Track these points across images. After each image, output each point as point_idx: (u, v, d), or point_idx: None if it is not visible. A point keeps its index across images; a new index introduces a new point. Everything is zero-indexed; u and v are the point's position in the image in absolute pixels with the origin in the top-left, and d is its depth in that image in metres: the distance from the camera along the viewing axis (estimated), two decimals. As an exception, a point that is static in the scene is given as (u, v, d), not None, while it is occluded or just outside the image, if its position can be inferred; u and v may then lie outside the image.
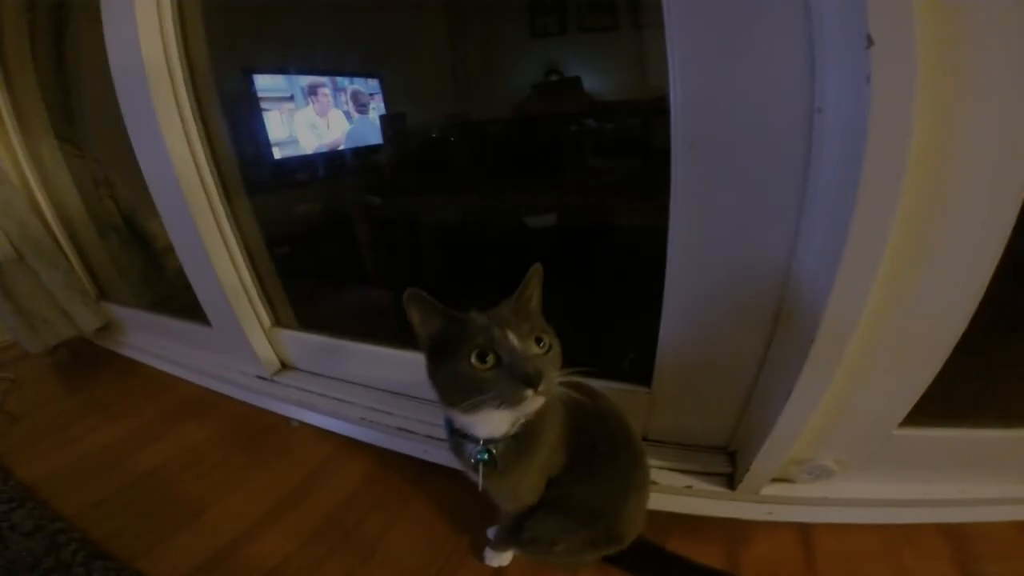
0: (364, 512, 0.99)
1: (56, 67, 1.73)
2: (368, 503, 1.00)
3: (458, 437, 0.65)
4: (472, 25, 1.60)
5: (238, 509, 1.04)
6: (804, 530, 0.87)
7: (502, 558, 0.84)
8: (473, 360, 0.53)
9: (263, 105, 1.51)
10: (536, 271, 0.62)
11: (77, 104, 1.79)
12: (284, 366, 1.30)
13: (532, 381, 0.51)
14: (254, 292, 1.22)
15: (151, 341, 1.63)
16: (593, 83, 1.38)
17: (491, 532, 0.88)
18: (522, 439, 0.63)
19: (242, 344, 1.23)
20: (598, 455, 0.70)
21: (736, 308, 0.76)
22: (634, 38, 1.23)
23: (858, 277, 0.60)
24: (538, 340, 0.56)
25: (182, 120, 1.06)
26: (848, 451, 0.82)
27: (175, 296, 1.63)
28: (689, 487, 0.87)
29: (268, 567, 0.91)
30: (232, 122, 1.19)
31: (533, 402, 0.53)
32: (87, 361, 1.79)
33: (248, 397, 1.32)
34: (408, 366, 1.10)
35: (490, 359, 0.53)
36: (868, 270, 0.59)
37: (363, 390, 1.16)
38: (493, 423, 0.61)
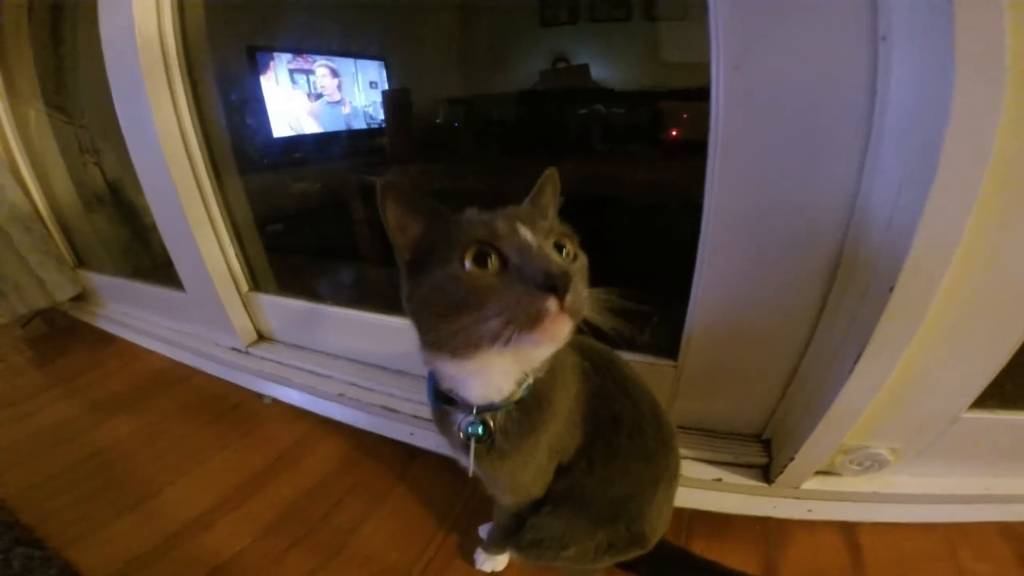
0: (335, 502, 0.77)
1: (51, 35, 1.51)
2: (340, 492, 0.79)
3: (444, 404, 0.45)
4: (481, 13, 1.42)
5: (192, 493, 0.82)
6: (848, 530, 0.67)
7: (495, 562, 0.63)
8: (468, 264, 0.34)
9: (262, 81, 1.30)
10: (551, 176, 0.43)
11: (70, 72, 1.57)
12: (261, 337, 1.08)
13: (555, 283, 0.31)
14: (232, 253, 1.00)
15: (127, 312, 1.40)
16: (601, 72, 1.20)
17: (483, 530, 0.66)
18: (528, 407, 0.43)
19: (217, 310, 1.01)
20: (621, 433, 0.49)
21: (785, 261, 0.57)
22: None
23: (955, 196, 0.43)
24: (559, 247, 0.37)
25: (168, 80, 0.86)
26: (907, 437, 0.63)
27: (157, 270, 1.40)
28: (718, 480, 0.67)
29: (216, 562, 0.69)
30: (224, 92, 0.99)
31: (558, 325, 0.32)
32: (61, 333, 1.54)
33: (220, 371, 1.09)
34: (394, 334, 0.89)
35: (493, 262, 0.34)
36: (968, 185, 0.42)
37: (344, 363, 0.95)
38: (492, 379, 0.41)
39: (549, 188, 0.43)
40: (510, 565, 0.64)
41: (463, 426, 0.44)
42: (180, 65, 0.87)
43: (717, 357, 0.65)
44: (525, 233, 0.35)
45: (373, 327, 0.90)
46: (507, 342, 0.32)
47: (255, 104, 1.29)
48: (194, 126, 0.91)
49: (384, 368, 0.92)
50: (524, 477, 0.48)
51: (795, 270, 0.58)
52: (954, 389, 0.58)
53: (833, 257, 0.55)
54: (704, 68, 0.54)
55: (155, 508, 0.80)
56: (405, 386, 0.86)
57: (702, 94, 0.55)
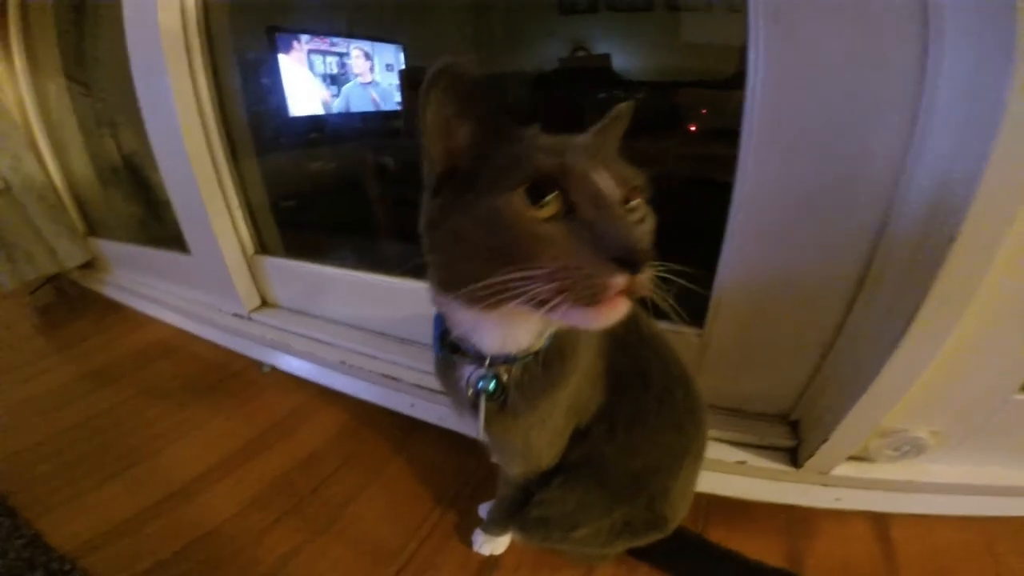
0: (327, 475, 0.69)
1: (74, 10, 1.46)
2: (333, 464, 0.71)
3: (450, 353, 0.37)
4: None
5: (179, 462, 0.75)
6: (879, 521, 0.59)
7: (495, 544, 0.55)
8: (525, 198, 0.26)
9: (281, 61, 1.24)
10: (624, 112, 0.35)
11: (90, 46, 1.51)
12: (265, 303, 1.00)
13: (633, 258, 0.24)
14: (240, 216, 0.92)
15: (134, 278, 1.32)
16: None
17: (483, 510, 0.58)
18: (549, 359, 0.35)
19: (221, 273, 0.93)
20: (649, 394, 0.41)
21: (824, 222, 0.49)
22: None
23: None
24: (626, 200, 0.29)
25: (189, 57, 0.81)
26: (949, 420, 0.54)
27: (168, 242, 1.33)
28: (742, 463, 0.58)
29: (194, 535, 0.62)
30: (243, 70, 0.92)
31: (619, 306, 0.25)
32: (70, 301, 1.47)
33: (222, 338, 1.02)
34: (400, 297, 0.81)
35: (551, 203, 0.26)
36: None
37: (347, 330, 0.87)
38: (513, 330, 0.33)
39: (618, 128, 0.35)
40: (511, 548, 0.55)
41: (472, 380, 0.36)
42: (201, 43, 0.81)
43: (747, 327, 0.57)
44: (604, 181, 0.27)
45: (378, 290, 0.82)
46: (552, 311, 0.24)
47: (272, 82, 1.22)
48: (211, 99, 0.85)
49: (387, 335, 0.84)
50: (539, 440, 0.40)
51: (835, 232, 0.50)
52: (1006, 368, 0.50)
53: (878, 217, 0.47)
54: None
55: (139, 477, 0.73)
56: (408, 354, 0.77)
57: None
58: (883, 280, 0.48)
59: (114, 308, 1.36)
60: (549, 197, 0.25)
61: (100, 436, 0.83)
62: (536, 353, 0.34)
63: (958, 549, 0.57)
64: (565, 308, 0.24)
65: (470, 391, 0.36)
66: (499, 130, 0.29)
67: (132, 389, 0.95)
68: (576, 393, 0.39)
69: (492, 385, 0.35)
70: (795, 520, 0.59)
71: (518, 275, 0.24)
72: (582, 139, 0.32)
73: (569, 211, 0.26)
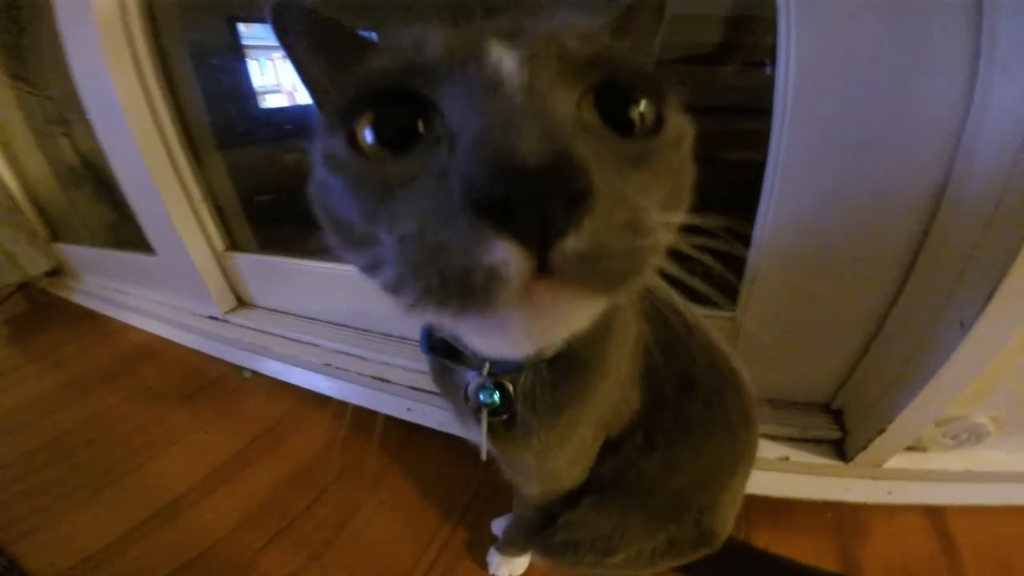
0: (321, 489, 0.60)
1: (9, 3, 1.29)
2: (327, 477, 0.62)
3: (444, 358, 0.28)
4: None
5: (160, 480, 0.66)
6: (935, 514, 0.52)
7: (513, 565, 0.47)
8: (369, 135, 0.16)
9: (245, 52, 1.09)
10: None
11: (31, 41, 1.35)
12: (241, 303, 0.90)
13: (516, 194, 0.12)
14: (204, 210, 0.81)
15: (104, 284, 1.21)
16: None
17: (498, 526, 0.50)
18: (568, 367, 0.26)
19: (190, 273, 0.83)
20: (695, 399, 0.33)
21: (872, 185, 0.41)
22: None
23: None
24: (619, 110, 0.17)
25: (133, 49, 0.69)
26: (1012, 404, 0.47)
27: (141, 242, 1.22)
28: (784, 459, 0.50)
29: (182, 560, 0.54)
30: (200, 62, 0.80)
31: (533, 306, 0.14)
32: (41, 310, 1.35)
33: (198, 343, 0.91)
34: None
35: (429, 135, 0.15)
36: None
37: (330, 328, 0.77)
38: (510, 332, 0.23)
39: (644, 20, 0.22)
40: (531, 569, 0.47)
41: (471, 391, 0.27)
42: (145, 33, 0.70)
43: (784, 307, 0.48)
44: (502, 57, 0.15)
45: (362, 282, 0.71)
46: (435, 318, 0.16)
47: (238, 74, 1.09)
48: (163, 92, 0.74)
49: (375, 333, 0.74)
50: (557, 461, 0.31)
51: (885, 197, 0.41)
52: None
53: (937, 179, 0.39)
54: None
55: (119, 496, 0.65)
56: (402, 353, 0.68)
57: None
58: (944, 253, 0.40)
59: (87, 316, 1.24)
60: (423, 128, 0.15)
61: (74, 455, 0.73)
62: (550, 361, 0.26)
63: (1021, 540, 0.50)
64: (444, 315, 0.14)
65: (470, 403, 0.28)
66: (349, 46, 0.20)
67: (107, 402, 0.85)
68: (607, 402, 0.30)
69: (495, 397, 0.27)
70: (843, 517, 0.52)
71: (363, 261, 0.16)
72: (516, 18, 0.18)
73: (440, 139, 0.15)
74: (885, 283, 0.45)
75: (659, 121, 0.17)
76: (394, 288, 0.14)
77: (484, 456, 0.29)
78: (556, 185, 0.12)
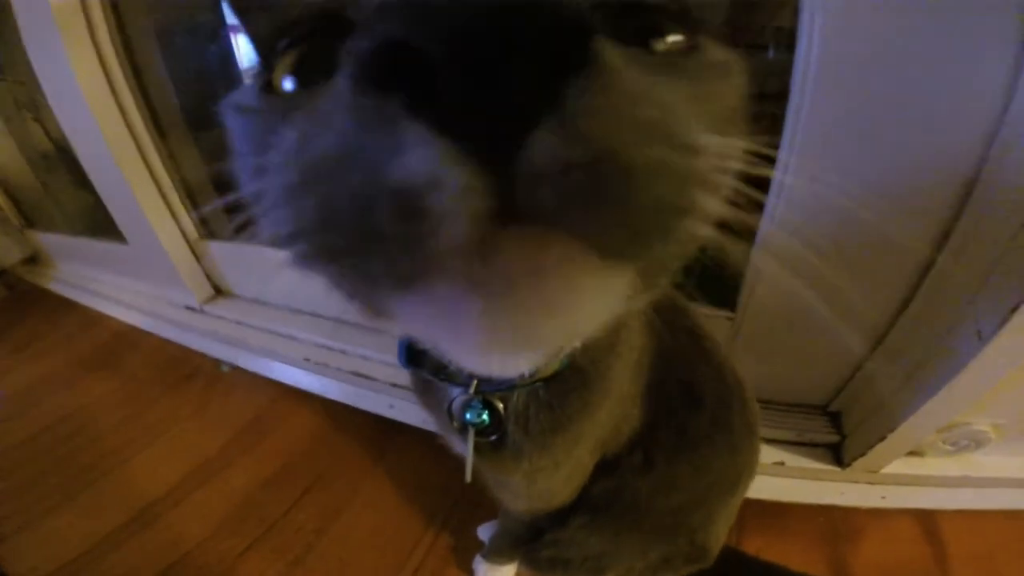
0: (299, 494, 0.57)
1: None
2: (306, 479, 0.58)
3: (425, 371, 0.24)
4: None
5: (136, 483, 0.63)
6: (927, 519, 0.51)
7: (500, 573, 0.44)
8: (285, 78, 0.11)
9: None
10: None
11: None
12: (219, 292, 0.84)
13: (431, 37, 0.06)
14: (175, 199, 0.75)
15: (80, 272, 1.14)
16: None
17: (484, 531, 0.47)
18: (567, 387, 0.23)
19: (163, 262, 0.77)
20: (700, 415, 0.29)
21: (892, 173, 0.36)
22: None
23: None
24: (642, 35, 0.10)
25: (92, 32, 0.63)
26: (1015, 411, 0.45)
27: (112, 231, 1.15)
28: (780, 464, 0.48)
29: (162, 565, 0.51)
30: (168, 41, 0.73)
31: (494, 283, 0.08)
32: (20, 300, 1.28)
33: (175, 335, 0.86)
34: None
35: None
36: None
37: (309, 320, 0.72)
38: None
39: None
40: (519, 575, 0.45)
41: (456, 408, 0.24)
42: (103, 10, 0.63)
43: (787, 306, 0.45)
44: None
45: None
46: (345, 285, 0.11)
47: (216, 53, 1.00)
48: (126, 75, 0.68)
49: (356, 325, 0.69)
50: (549, 482, 0.28)
51: (906, 193, 0.37)
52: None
53: (966, 175, 0.34)
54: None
55: (94, 500, 0.61)
56: (383, 347, 0.64)
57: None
58: (966, 257, 0.37)
59: (65, 305, 1.17)
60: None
61: (51, 454, 0.70)
62: (546, 380, 0.22)
63: (1012, 544, 0.49)
64: (355, 289, 0.11)
65: (455, 423, 0.24)
66: None
67: (84, 398, 0.80)
68: (607, 421, 0.27)
69: (484, 416, 0.23)
70: (835, 521, 0.50)
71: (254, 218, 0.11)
72: None
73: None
74: (898, 284, 0.42)
75: (690, 47, 0.12)
76: (284, 247, 0.10)
77: (469, 477, 0.26)
78: (523, 19, 0.06)
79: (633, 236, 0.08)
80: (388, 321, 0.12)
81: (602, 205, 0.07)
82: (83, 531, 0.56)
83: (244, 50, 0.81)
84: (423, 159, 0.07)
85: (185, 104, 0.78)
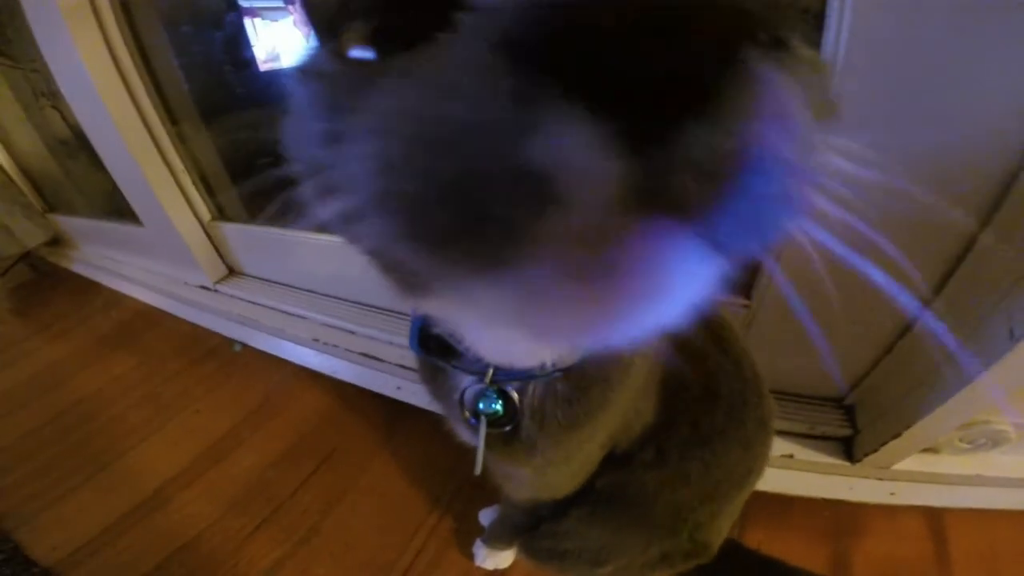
0: (306, 475, 0.57)
1: None
2: (314, 460, 0.59)
3: (437, 358, 0.23)
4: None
5: (152, 462, 0.64)
6: (934, 517, 0.49)
7: (499, 558, 0.44)
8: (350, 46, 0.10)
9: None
10: None
11: (9, 19, 1.23)
12: (232, 272, 0.84)
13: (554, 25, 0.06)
14: (188, 181, 0.75)
15: (102, 254, 1.16)
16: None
17: (485, 516, 0.47)
18: (586, 380, 0.21)
19: (177, 243, 0.77)
20: (716, 409, 0.28)
21: (937, 155, 0.33)
22: None
23: None
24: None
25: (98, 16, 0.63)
26: None
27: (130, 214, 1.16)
28: (789, 456, 0.46)
29: (175, 545, 0.53)
30: (177, 25, 0.71)
31: (595, 270, 0.07)
32: (45, 280, 1.31)
33: (191, 314, 0.87)
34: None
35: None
36: None
37: (319, 300, 0.72)
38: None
39: None
40: (517, 563, 0.45)
41: (468, 397, 0.23)
42: (112, 3, 0.63)
43: (806, 296, 0.42)
44: None
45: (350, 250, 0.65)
46: (415, 264, 0.09)
47: (230, 36, 0.97)
48: (134, 60, 0.67)
49: (365, 305, 0.69)
50: (557, 475, 0.27)
51: (941, 181, 0.34)
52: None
53: (1010, 164, 0.31)
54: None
55: (113, 479, 0.63)
56: (391, 328, 0.63)
57: None
58: (1002, 252, 0.33)
59: (86, 286, 1.20)
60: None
61: (73, 434, 0.72)
62: (567, 370, 0.20)
63: (1016, 545, 0.47)
64: (430, 266, 0.09)
65: (465, 413, 0.23)
66: None
67: (104, 378, 0.82)
68: (619, 415, 0.25)
69: (498, 406, 0.22)
70: (842, 516, 0.48)
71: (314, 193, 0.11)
72: None
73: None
74: (925, 277, 0.39)
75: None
76: (354, 224, 0.09)
77: (479, 469, 0.25)
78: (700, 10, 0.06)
79: (749, 229, 0.08)
80: (423, 299, 0.11)
81: (737, 197, 0.07)
82: (99, 513, 0.58)
83: (257, 34, 0.79)
84: (568, 141, 0.06)
85: (195, 89, 0.77)
